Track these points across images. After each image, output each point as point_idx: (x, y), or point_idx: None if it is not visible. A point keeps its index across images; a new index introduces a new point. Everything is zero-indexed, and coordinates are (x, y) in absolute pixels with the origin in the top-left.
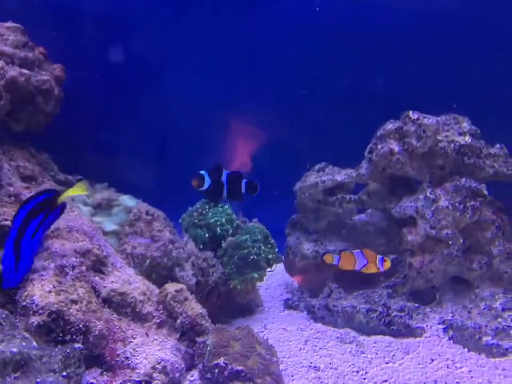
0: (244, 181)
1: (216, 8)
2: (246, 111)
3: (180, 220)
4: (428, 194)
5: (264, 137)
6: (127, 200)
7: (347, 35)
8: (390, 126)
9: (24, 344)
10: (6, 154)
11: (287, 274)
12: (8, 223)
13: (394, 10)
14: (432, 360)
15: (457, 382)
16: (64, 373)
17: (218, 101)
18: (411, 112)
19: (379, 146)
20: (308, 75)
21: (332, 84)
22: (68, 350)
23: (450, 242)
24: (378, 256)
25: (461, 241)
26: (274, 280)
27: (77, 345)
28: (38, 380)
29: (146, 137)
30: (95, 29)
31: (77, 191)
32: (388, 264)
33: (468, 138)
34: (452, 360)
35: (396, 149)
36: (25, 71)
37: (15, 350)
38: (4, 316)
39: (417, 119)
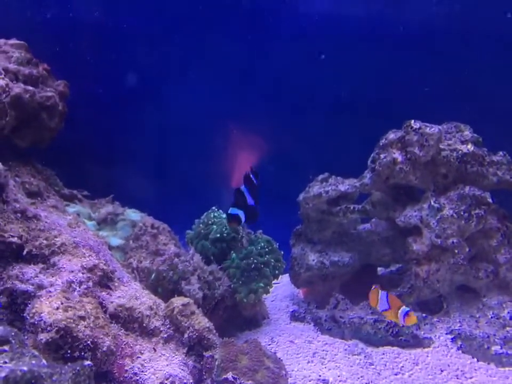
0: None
1: (216, 21)
2: (247, 122)
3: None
4: (432, 203)
5: (266, 148)
6: (132, 215)
7: (347, 45)
8: (392, 135)
9: (34, 362)
10: (12, 170)
11: (293, 286)
12: (15, 239)
13: (394, 19)
14: (442, 370)
15: None
16: None
17: (219, 113)
18: (413, 121)
19: (382, 156)
20: (308, 86)
21: (333, 95)
22: (78, 368)
23: (456, 251)
24: (403, 308)
25: (467, 249)
26: (280, 292)
27: (86, 362)
28: None
29: (150, 150)
30: (97, 44)
31: None
32: (412, 320)
33: (470, 146)
34: (462, 371)
35: (399, 158)
36: (30, 87)
37: (25, 368)
38: (13, 333)
39: (419, 128)
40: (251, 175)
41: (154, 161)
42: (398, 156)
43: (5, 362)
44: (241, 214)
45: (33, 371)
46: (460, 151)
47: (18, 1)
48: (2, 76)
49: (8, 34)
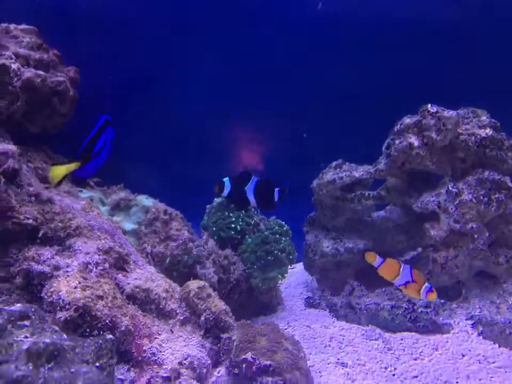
0: (277, 189)
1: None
2: (256, 111)
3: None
4: (450, 188)
5: (277, 137)
6: (144, 200)
7: (354, 34)
8: (408, 120)
9: (55, 336)
10: (24, 156)
11: (306, 273)
12: (30, 221)
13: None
14: (463, 355)
15: (491, 377)
16: (97, 364)
17: (228, 103)
18: (429, 105)
19: (397, 141)
20: (315, 76)
21: (343, 84)
22: (100, 341)
23: (475, 236)
24: (427, 284)
25: (487, 234)
26: (294, 279)
27: (108, 336)
28: (72, 370)
29: (159, 140)
30: (107, 32)
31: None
32: (433, 296)
33: (488, 131)
34: (484, 356)
35: (415, 143)
36: (41, 72)
37: (47, 340)
38: (33, 309)
39: (436, 112)
40: (276, 191)
41: (164, 151)
42: (414, 140)
43: (26, 337)
44: (227, 186)
45: (56, 343)
46: (478, 135)
47: None
48: (13, 60)
49: (18, 21)
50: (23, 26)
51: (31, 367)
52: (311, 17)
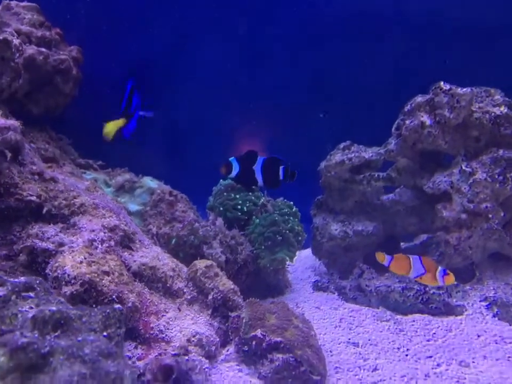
0: (282, 167)
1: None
2: (262, 97)
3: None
4: (464, 167)
5: (282, 121)
6: (149, 182)
7: (361, 25)
8: (419, 98)
9: (61, 307)
10: (26, 136)
11: (314, 258)
12: (34, 198)
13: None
14: (478, 336)
15: (508, 357)
16: (105, 333)
17: (233, 86)
18: (442, 82)
19: (408, 121)
20: (326, 66)
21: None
22: (108, 310)
23: (490, 215)
24: (440, 268)
25: (501, 214)
26: (301, 264)
27: (116, 305)
28: (79, 338)
29: (164, 124)
30: (112, 14)
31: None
32: (450, 279)
33: (503, 109)
34: (500, 336)
35: (427, 121)
36: (43, 49)
37: (54, 308)
38: (38, 281)
39: (450, 89)
40: (281, 169)
41: (169, 135)
42: (426, 119)
43: (31, 308)
44: (235, 168)
45: (62, 311)
46: (493, 113)
47: None
48: (15, 36)
49: None
50: (24, 3)
51: (36, 334)
52: (323, 10)
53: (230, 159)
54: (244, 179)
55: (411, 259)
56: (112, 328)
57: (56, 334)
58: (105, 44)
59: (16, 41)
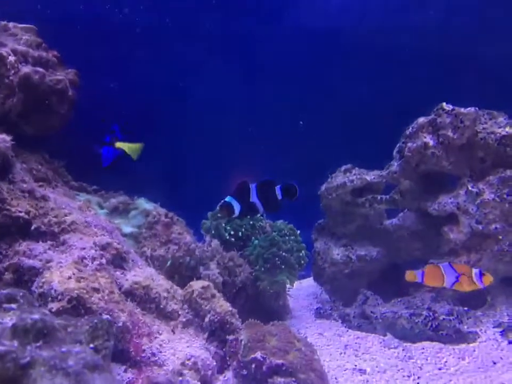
0: (277, 186)
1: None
2: (261, 120)
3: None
4: (470, 188)
5: (281, 145)
6: (145, 204)
7: (359, 48)
8: (422, 119)
9: (44, 316)
10: (18, 157)
11: (315, 285)
12: (22, 214)
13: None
14: (495, 363)
15: None
16: (91, 345)
17: (233, 108)
18: (445, 103)
19: (410, 143)
20: (329, 84)
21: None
22: (96, 321)
23: (500, 237)
24: (474, 270)
25: None
26: (302, 291)
27: (105, 316)
28: (63, 349)
29: (160, 145)
30: (108, 36)
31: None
32: (489, 279)
33: (509, 129)
34: None
35: (431, 142)
36: (40, 69)
37: (36, 316)
38: (21, 294)
39: (453, 109)
40: (277, 189)
41: (165, 157)
42: (429, 140)
43: (12, 320)
44: (236, 206)
45: (45, 320)
46: (498, 134)
47: None
48: (11, 54)
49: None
50: (22, 25)
51: (16, 344)
52: (330, 26)
53: (227, 199)
54: (247, 213)
55: (442, 268)
56: (99, 340)
57: (38, 344)
58: (102, 69)
59: (11, 58)
